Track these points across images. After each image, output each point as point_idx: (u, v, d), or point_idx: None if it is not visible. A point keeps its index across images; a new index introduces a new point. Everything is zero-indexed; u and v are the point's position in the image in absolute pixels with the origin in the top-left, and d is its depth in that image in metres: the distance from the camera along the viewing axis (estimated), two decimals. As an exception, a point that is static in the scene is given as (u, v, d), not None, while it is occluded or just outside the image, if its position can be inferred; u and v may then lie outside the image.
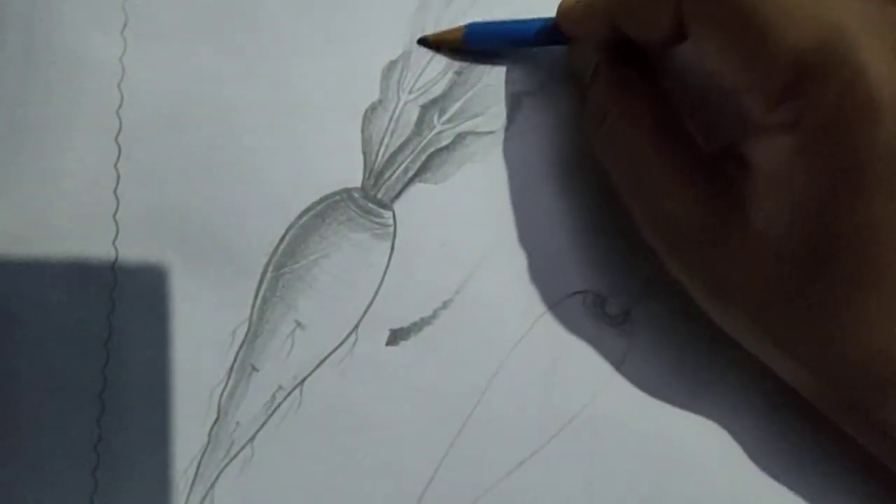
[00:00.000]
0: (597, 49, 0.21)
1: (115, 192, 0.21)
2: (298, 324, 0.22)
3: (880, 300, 0.16)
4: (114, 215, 0.21)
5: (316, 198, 0.22)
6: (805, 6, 0.16)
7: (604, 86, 0.20)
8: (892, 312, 0.16)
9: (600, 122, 0.20)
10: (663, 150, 0.19)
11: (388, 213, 0.22)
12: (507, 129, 0.23)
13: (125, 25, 0.22)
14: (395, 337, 0.22)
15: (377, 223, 0.22)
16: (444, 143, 0.22)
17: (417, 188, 0.22)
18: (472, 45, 0.22)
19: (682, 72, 0.20)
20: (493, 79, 0.23)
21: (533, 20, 0.22)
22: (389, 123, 0.22)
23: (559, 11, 0.21)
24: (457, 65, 0.23)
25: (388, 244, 0.22)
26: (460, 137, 0.22)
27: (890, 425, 0.17)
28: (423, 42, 0.22)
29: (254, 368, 0.21)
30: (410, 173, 0.22)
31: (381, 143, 0.22)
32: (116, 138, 0.21)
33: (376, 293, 0.22)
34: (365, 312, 0.22)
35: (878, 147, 0.16)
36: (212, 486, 0.21)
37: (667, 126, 0.20)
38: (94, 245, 0.21)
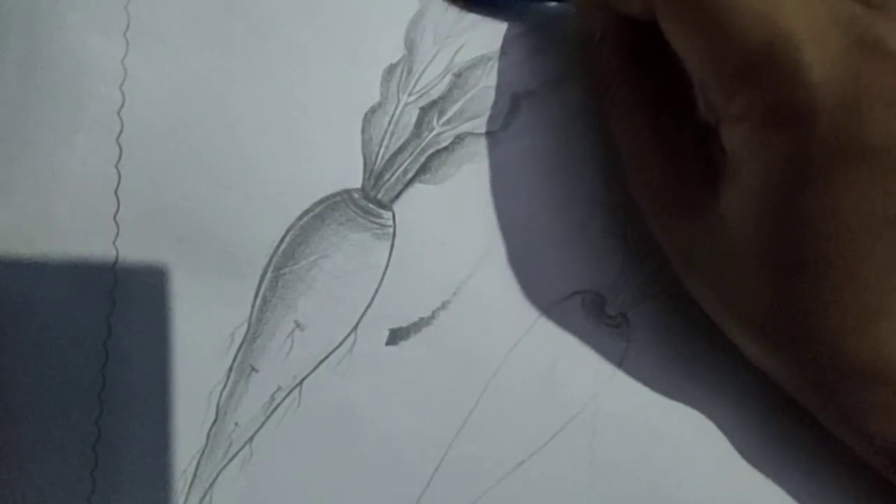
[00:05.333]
0: (605, 12, 0.21)
1: (115, 192, 0.21)
2: (298, 324, 0.22)
3: (835, 291, 0.17)
4: (114, 216, 0.21)
5: (316, 199, 0.22)
6: (757, 5, 0.16)
7: (610, 52, 0.21)
8: (847, 302, 0.17)
9: (605, 87, 0.21)
10: (659, 121, 0.20)
11: (387, 214, 0.22)
12: (505, 130, 0.23)
13: (127, 27, 0.22)
14: (395, 337, 0.22)
15: (377, 224, 0.22)
16: (444, 144, 0.23)
17: (417, 189, 0.22)
18: None
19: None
20: (491, 80, 0.23)
21: None
22: (389, 125, 0.22)
23: None
24: (456, 67, 0.23)
25: (388, 244, 0.22)
26: (459, 138, 0.23)
27: (852, 412, 0.18)
28: None
29: (253, 369, 0.21)
30: (410, 174, 0.22)
31: (380, 145, 0.22)
32: (118, 139, 0.21)
33: (376, 293, 0.22)
34: (364, 312, 0.22)
35: (816, 145, 0.16)
36: (210, 486, 0.21)
37: (668, 96, 0.20)
38: (94, 245, 0.21)
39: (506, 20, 0.23)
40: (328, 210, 0.22)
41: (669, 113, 0.20)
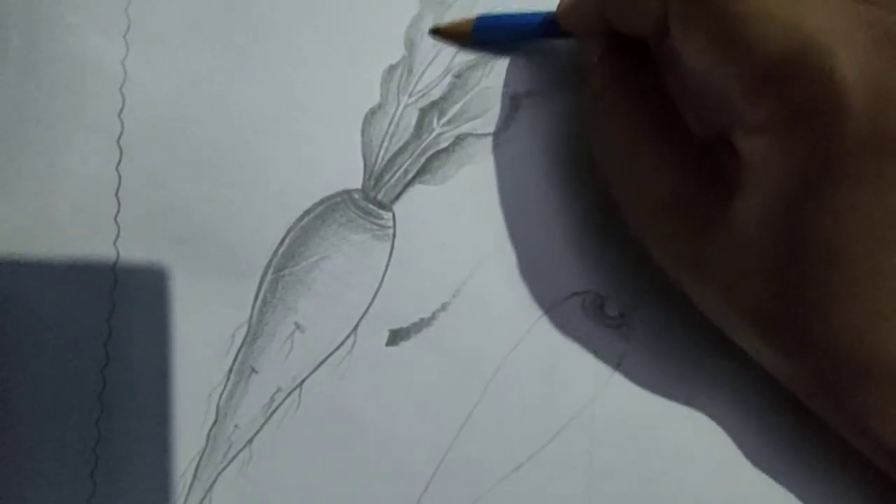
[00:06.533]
0: (600, 39, 0.21)
1: (116, 194, 0.21)
2: (298, 325, 0.22)
3: (850, 288, 0.17)
4: (115, 217, 0.21)
5: (316, 199, 0.22)
6: (780, 14, 0.16)
7: (602, 72, 0.21)
8: (861, 300, 0.17)
9: (594, 106, 0.21)
10: (654, 136, 0.20)
11: (387, 215, 0.22)
12: (505, 131, 0.23)
13: (128, 29, 0.22)
14: (395, 338, 0.22)
15: (377, 224, 0.22)
16: (444, 145, 0.23)
17: (417, 190, 0.22)
18: (480, 37, 0.22)
19: (680, 59, 0.20)
20: (491, 81, 0.23)
21: (536, 13, 0.22)
22: (389, 126, 0.22)
23: (558, 6, 0.22)
24: (456, 68, 0.23)
25: (388, 245, 0.22)
26: (459, 139, 0.23)
27: (860, 413, 0.18)
28: (435, 32, 0.23)
29: (253, 370, 0.21)
30: (410, 175, 0.22)
31: (380, 146, 0.22)
32: (118, 141, 0.22)
33: (376, 294, 0.22)
34: (364, 313, 0.22)
35: (846, 143, 0.16)
36: (210, 488, 0.21)
37: (660, 112, 0.20)
38: (95, 246, 0.21)
39: (507, 56, 0.23)
40: (328, 211, 0.22)
41: (668, 130, 0.20)
